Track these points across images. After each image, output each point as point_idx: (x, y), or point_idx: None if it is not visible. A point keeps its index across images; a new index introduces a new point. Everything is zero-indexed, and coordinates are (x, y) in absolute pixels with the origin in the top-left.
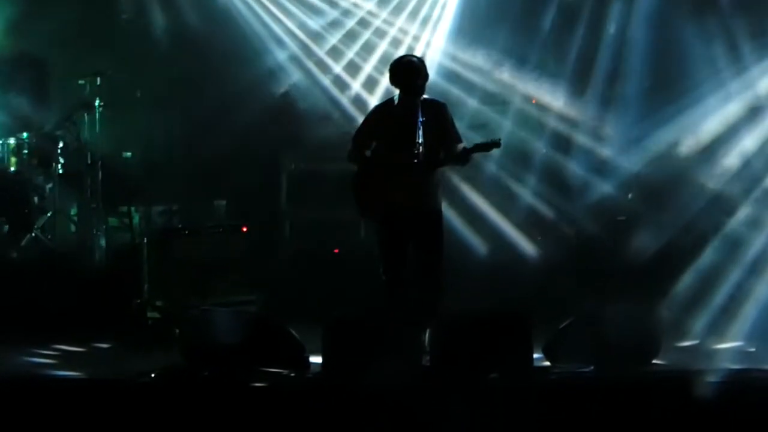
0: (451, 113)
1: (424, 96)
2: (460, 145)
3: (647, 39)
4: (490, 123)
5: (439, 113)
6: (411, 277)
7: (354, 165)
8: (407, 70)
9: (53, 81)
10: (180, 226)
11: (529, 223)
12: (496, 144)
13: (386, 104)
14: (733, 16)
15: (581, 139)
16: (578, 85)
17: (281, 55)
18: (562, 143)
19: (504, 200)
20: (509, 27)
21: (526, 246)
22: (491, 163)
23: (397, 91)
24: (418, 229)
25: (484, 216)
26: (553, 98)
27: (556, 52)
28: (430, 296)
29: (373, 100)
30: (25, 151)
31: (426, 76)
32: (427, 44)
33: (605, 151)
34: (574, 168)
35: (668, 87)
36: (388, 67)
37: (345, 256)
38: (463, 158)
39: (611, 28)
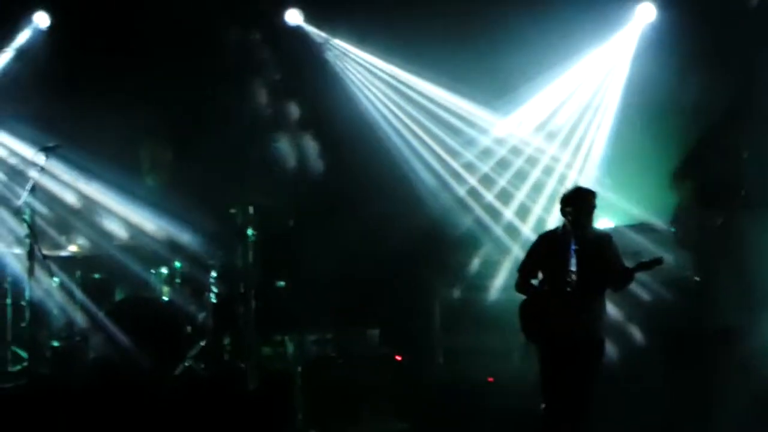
0: (616, 244)
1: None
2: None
3: None
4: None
5: (604, 244)
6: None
7: (522, 294)
8: (582, 203)
9: (206, 210)
10: (333, 354)
11: None
12: (658, 262)
13: (550, 234)
14: None
15: None
16: None
17: (432, 182)
18: None
19: None
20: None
21: None
22: None
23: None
24: (575, 357)
25: None
26: None
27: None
28: (580, 424)
29: (525, 228)
30: (178, 280)
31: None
32: (580, 171)
33: None
34: None
35: None
36: (561, 196)
37: (498, 385)
38: (623, 280)
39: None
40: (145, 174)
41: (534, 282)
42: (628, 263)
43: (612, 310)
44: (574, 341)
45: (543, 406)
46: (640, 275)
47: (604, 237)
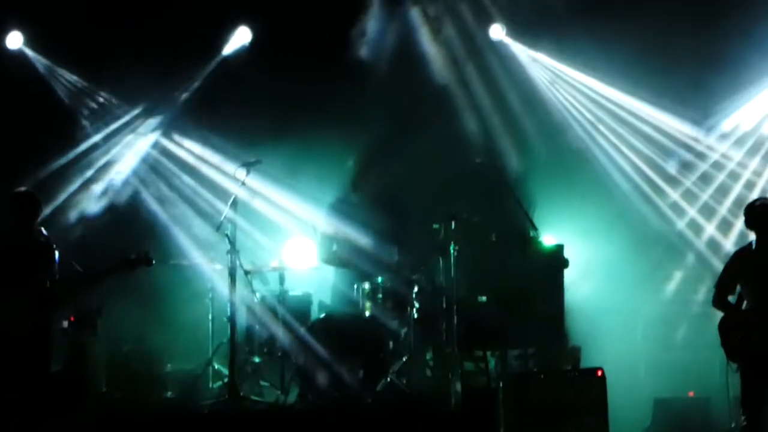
0: None
1: None
2: None
3: None
4: None
5: None
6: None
7: (720, 311)
8: (763, 213)
9: (409, 225)
10: (535, 370)
11: None
12: None
13: (744, 249)
14: None
15: None
16: None
17: (633, 196)
18: None
19: None
20: None
21: None
22: None
23: (752, 235)
24: None
25: None
26: None
27: None
28: None
29: (727, 244)
30: (380, 296)
31: None
32: None
33: None
34: None
35: None
36: (743, 210)
37: (700, 399)
38: None
39: None
40: (352, 188)
41: (731, 299)
42: None
43: None
44: None
45: (743, 421)
46: None
47: None
